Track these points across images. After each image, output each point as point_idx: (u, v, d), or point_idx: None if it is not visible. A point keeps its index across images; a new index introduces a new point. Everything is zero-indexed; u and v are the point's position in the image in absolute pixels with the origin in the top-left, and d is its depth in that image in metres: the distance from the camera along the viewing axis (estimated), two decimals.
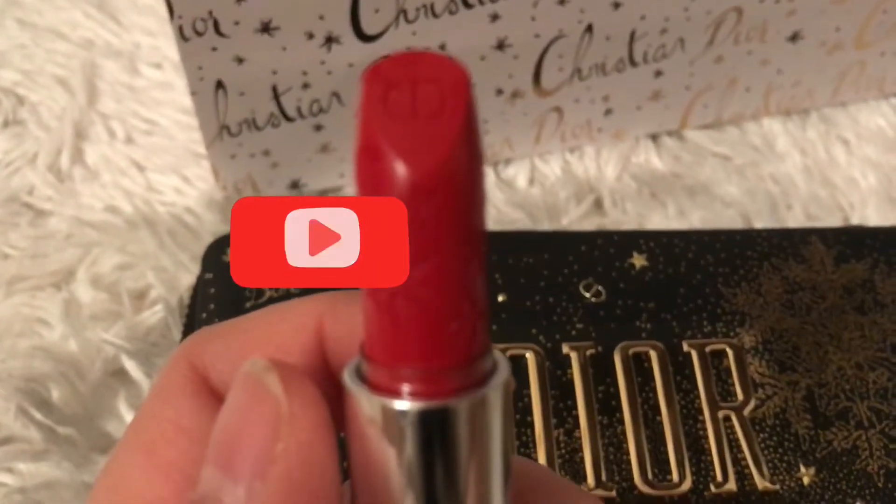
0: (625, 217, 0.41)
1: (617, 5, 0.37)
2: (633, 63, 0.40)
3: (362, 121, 0.14)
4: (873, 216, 0.42)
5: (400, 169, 0.14)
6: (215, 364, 0.19)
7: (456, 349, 0.15)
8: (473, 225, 0.15)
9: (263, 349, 0.18)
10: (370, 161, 0.14)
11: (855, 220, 0.42)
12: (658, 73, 0.41)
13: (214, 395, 0.18)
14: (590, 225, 0.41)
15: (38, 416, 0.33)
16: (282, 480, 0.15)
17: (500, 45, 0.37)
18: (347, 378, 0.16)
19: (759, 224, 0.41)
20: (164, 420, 0.18)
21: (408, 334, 0.15)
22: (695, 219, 0.41)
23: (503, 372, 0.15)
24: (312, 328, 0.19)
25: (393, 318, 0.15)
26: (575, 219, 0.41)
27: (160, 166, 0.42)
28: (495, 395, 0.15)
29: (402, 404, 0.15)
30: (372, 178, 0.14)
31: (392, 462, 0.15)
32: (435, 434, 0.15)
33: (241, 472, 0.15)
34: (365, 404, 0.15)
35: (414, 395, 0.15)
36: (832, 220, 0.42)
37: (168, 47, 0.45)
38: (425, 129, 0.14)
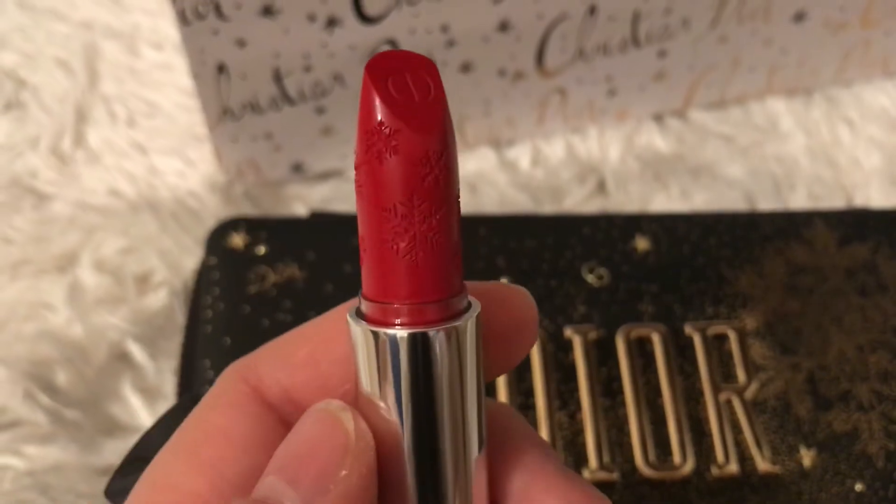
0: (628, 198, 0.41)
1: None
2: (636, 43, 0.40)
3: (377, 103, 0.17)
4: (877, 196, 0.42)
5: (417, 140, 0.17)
6: (268, 368, 0.20)
7: (442, 287, 0.18)
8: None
9: (311, 343, 0.20)
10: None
11: (858, 201, 0.42)
12: (662, 54, 0.40)
13: (266, 405, 0.20)
14: (593, 206, 0.41)
15: (44, 399, 0.34)
16: (339, 500, 0.17)
17: (503, 27, 0.37)
18: (350, 319, 0.18)
19: (762, 205, 0.41)
20: (209, 424, 0.20)
21: (415, 275, 0.18)
22: (698, 200, 0.41)
23: (475, 309, 0.18)
24: None
25: (405, 264, 0.18)
26: (578, 200, 0.41)
27: (162, 149, 0.41)
28: (469, 325, 0.18)
29: (396, 332, 0.18)
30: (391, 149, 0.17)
31: (387, 383, 0.18)
32: (420, 356, 0.18)
33: (305, 485, 0.17)
34: (366, 336, 0.18)
35: (403, 325, 0.18)
36: (835, 201, 0.42)
37: (168, 27, 0.45)
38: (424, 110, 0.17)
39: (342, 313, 0.19)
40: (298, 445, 0.18)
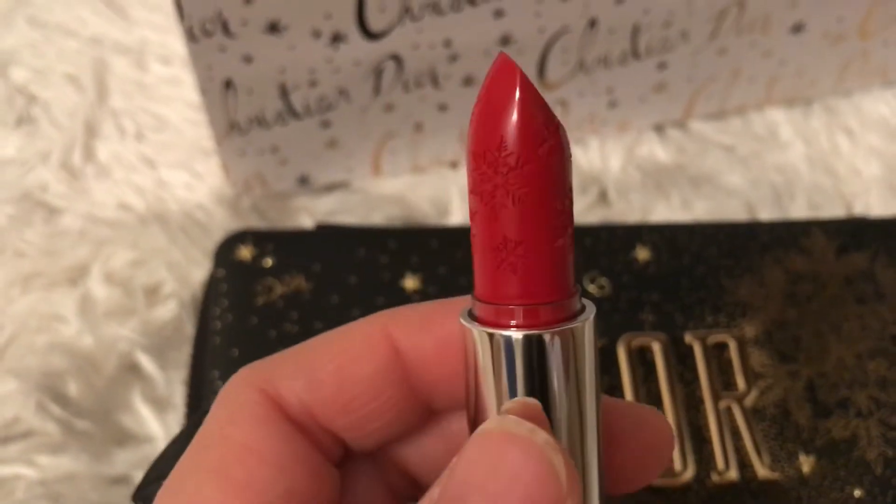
0: (629, 208, 0.42)
1: (620, 0, 0.37)
2: (636, 56, 0.40)
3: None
4: (876, 205, 0.42)
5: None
6: (289, 382, 0.19)
7: (554, 289, 0.18)
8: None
9: (337, 360, 0.19)
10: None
11: (858, 210, 0.43)
12: (662, 66, 0.41)
13: (285, 417, 0.19)
14: (595, 216, 0.42)
15: (56, 410, 0.34)
16: None
17: (505, 41, 0.37)
18: (462, 320, 0.18)
19: (762, 214, 0.42)
20: (235, 442, 0.18)
21: (519, 280, 0.18)
22: (699, 209, 0.42)
23: (590, 311, 0.18)
24: (380, 335, 0.19)
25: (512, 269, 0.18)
26: (580, 210, 0.42)
27: (171, 162, 0.42)
28: (583, 328, 0.18)
29: (510, 334, 0.18)
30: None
31: (501, 385, 0.18)
32: (534, 358, 0.18)
33: None
34: (479, 337, 0.18)
35: (518, 327, 0.18)
36: (835, 210, 0.42)
37: (176, 43, 0.45)
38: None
39: (367, 328, 0.19)
40: (502, 487, 0.16)
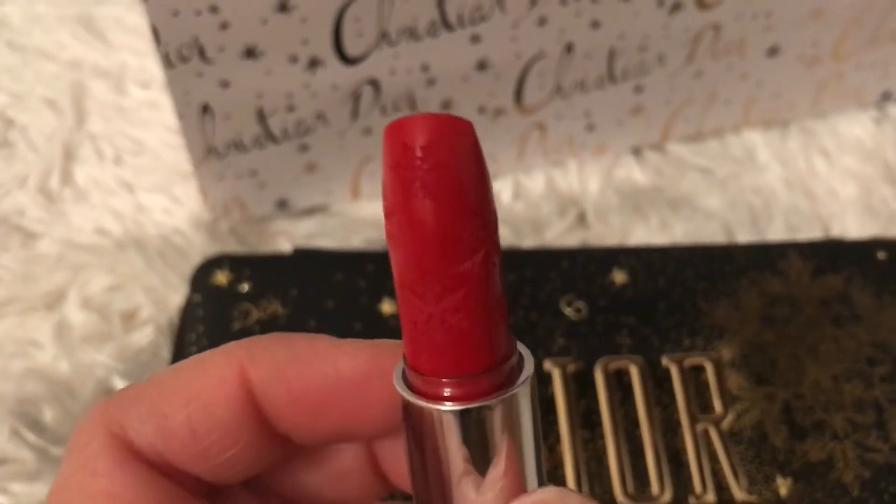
0: (608, 230, 0.42)
1: (596, 24, 0.38)
2: (613, 80, 0.40)
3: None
4: (853, 226, 0.43)
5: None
6: (139, 428, 0.18)
7: (486, 358, 0.17)
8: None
9: (189, 406, 0.18)
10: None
11: (835, 231, 0.43)
12: (638, 89, 0.41)
13: (141, 460, 0.18)
14: (573, 239, 0.42)
15: (31, 437, 0.34)
16: None
17: (482, 65, 0.38)
18: (397, 385, 0.18)
19: (740, 235, 0.42)
20: (96, 492, 0.18)
21: (445, 352, 0.17)
22: (677, 231, 0.42)
23: (528, 368, 0.18)
24: (235, 378, 0.19)
25: (433, 341, 0.17)
26: (559, 233, 0.42)
27: (149, 186, 0.42)
28: (523, 391, 0.18)
29: (446, 407, 0.17)
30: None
31: (442, 453, 0.18)
32: (475, 429, 0.17)
33: None
34: (415, 409, 0.18)
35: (453, 399, 0.17)
36: (813, 231, 0.43)
37: (155, 67, 0.45)
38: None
39: (222, 370, 0.18)
40: None
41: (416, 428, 0.18)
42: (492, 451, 0.18)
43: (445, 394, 0.17)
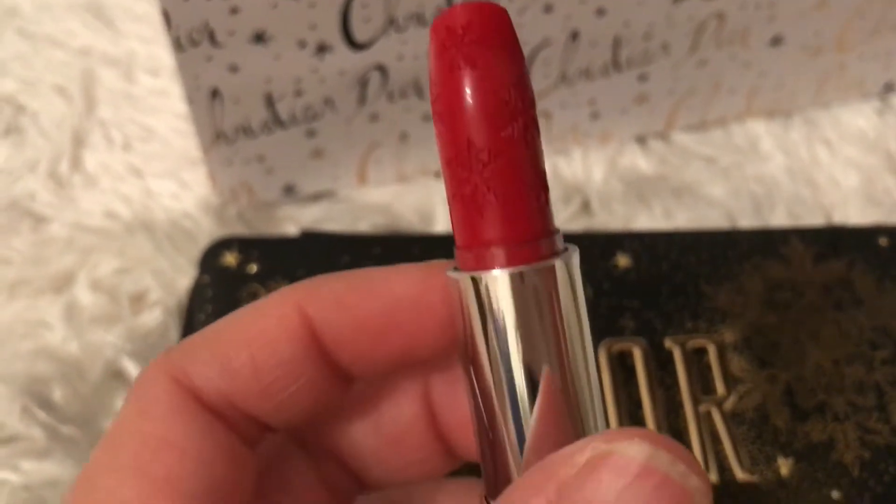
0: (612, 218, 0.42)
1: (601, 12, 0.38)
2: (617, 68, 0.41)
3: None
4: (854, 215, 0.43)
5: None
6: (203, 371, 0.19)
7: (533, 225, 0.18)
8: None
9: (252, 346, 0.19)
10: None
11: (837, 219, 0.43)
12: (643, 78, 0.42)
13: (202, 406, 0.18)
14: (577, 226, 0.42)
15: (41, 415, 0.34)
16: None
17: None
18: (449, 274, 0.19)
19: (743, 223, 0.43)
20: (151, 435, 0.18)
21: (492, 220, 0.18)
22: (680, 219, 0.43)
23: (572, 250, 0.19)
24: (295, 315, 0.19)
25: (480, 210, 0.18)
26: (563, 220, 0.42)
27: (158, 172, 0.43)
28: (564, 264, 0.18)
29: (496, 272, 0.18)
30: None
31: (490, 328, 0.18)
32: (526, 295, 0.18)
33: None
34: (464, 283, 0.18)
35: (503, 264, 0.18)
36: (814, 220, 0.43)
37: (164, 54, 0.46)
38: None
39: (281, 308, 0.19)
40: None
41: (468, 310, 0.18)
42: (544, 327, 0.18)
43: (495, 260, 0.18)
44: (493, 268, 0.18)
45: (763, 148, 0.46)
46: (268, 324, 0.19)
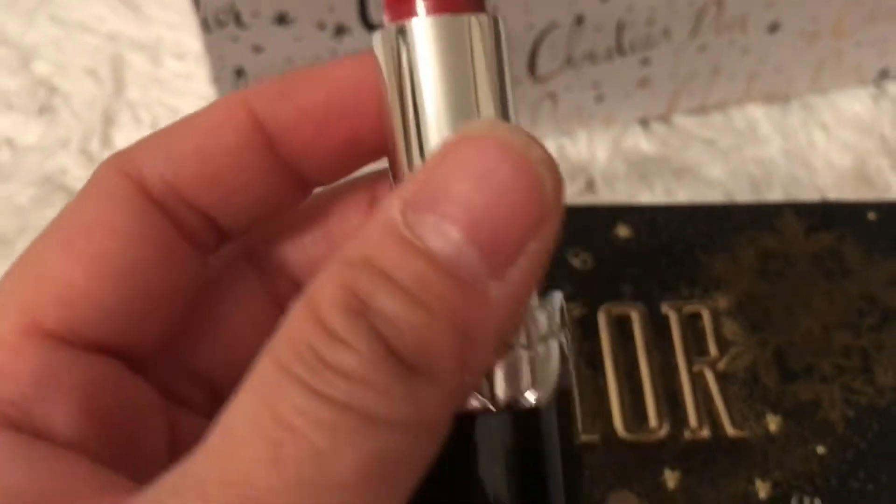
0: (615, 197, 0.44)
1: None
2: (621, 52, 0.43)
3: None
4: (849, 195, 0.45)
5: None
6: (150, 161, 0.19)
7: None
8: None
9: (197, 135, 0.19)
10: None
11: (831, 199, 0.45)
12: (645, 62, 0.44)
13: (147, 195, 0.19)
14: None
15: None
16: (523, 275, 0.15)
17: None
18: (373, 36, 0.18)
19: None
20: (86, 215, 0.18)
21: None
22: (681, 198, 0.44)
23: (501, 18, 0.18)
24: (240, 109, 0.19)
25: None
26: (568, 197, 0.44)
27: None
28: (486, 20, 0.18)
29: (417, 20, 0.18)
30: None
31: (404, 79, 0.18)
32: (439, 46, 0.17)
33: (496, 255, 0.15)
34: (387, 40, 0.18)
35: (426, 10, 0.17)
36: (810, 199, 0.45)
37: (189, 40, 0.48)
38: None
39: (227, 104, 0.19)
40: (488, 200, 0.15)
41: (381, 66, 0.18)
42: (458, 74, 0.17)
43: (413, 9, 0.17)
44: (411, 17, 0.17)
45: (761, 131, 0.47)
46: (212, 115, 0.19)
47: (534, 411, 0.17)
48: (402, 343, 0.14)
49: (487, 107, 0.18)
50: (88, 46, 0.48)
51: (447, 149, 0.16)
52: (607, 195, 0.44)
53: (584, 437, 0.33)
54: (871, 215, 0.39)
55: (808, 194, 0.45)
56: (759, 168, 0.46)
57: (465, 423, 0.17)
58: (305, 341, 0.14)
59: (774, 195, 0.45)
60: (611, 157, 0.46)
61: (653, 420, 0.33)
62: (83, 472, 0.16)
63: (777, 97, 0.48)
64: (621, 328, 0.35)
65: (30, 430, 0.17)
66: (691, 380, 0.34)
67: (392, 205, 0.15)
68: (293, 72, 0.20)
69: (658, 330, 0.35)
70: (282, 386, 0.14)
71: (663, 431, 0.33)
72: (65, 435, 0.17)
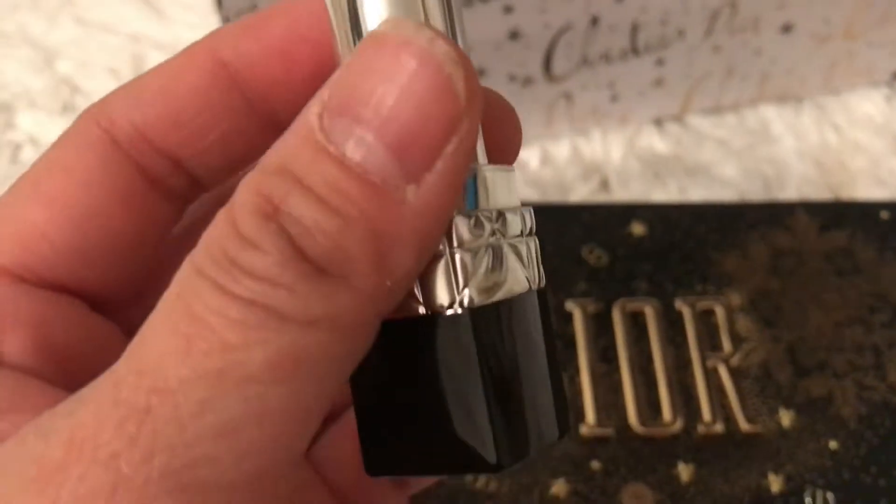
0: (629, 195, 0.45)
1: None
2: (635, 52, 0.43)
3: None
4: (861, 195, 0.45)
5: None
6: (119, 108, 0.19)
7: None
8: None
9: (161, 78, 0.19)
10: None
11: (843, 198, 0.45)
12: (659, 62, 0.44)
13: (115, 145, 0.19)
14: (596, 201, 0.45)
15: None
16: (443, 178, 0.15)
17: (513, 35, 0.41)
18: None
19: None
20: (52, 161, 0.19)
21: None
22: (694, 197, 0.45)
23: None
24: (206, 53, 0.19)
25: None
26: (583, 196, 0.45)
27: None
28: None
29: None
30: None
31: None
32: None
33: (412, 159, 0.15)
34: None
35: None
36: (822, 198, 0.45)
37: None
38: None
39: (191, 48, 0.19)
40: (397, 101, 0.15)
41: None
42: None
43: None
44: None
45: (774, 131, 0.48)
46: (178, 59, 0.19)
47: (484, 311, 0.17)
48: (311, 246, 0.15)
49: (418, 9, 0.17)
50: (110, 46, 0.49)
51: (358, 50, 0.15)
52: (622, 193, 0.45)
53: (599, 431, 0.33)
54: (884, 214, 0.39)
55: (821, 193, 0.45)
56: (771, 167, 0.46)
57: (413, 328, 0.17)
58: (220, 245, 0.15)
59: (787, 194, 0.45)
60: (625, 155, 0.46)
61: (667, 414, 0.34)
62: (32, 391, 0.17)
63: (790, 97, 0.48)
64: (636, 323, 0.36)
65: None
66: (705, 375, 0.35)
67: (311, 109, 0.15)
68: (257, 11, 0.19)
69: (672, 325, 0.36)
70: (196, 286, 0.15)
71: (677, 425, 0.34)
72: (16, 360, 0.18)
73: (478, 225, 0.17)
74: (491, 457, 0.16)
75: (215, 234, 0.15)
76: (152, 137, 0.19)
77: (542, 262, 0.19)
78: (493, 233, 0.17)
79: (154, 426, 0.14)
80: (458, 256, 0.16)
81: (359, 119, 0.15)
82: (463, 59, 0.15)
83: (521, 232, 0.18)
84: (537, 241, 0.19)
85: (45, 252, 0.19)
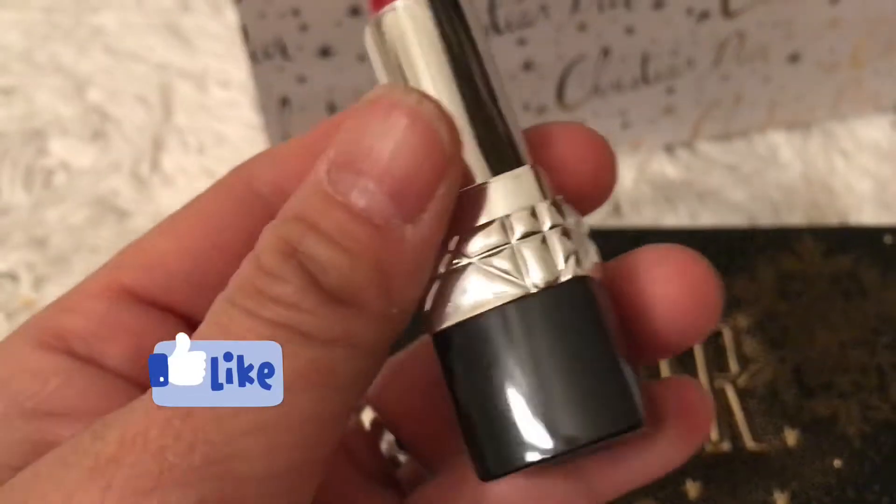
0: (641, 219, 0.46)
1: (630, 30, 0.42)
2: (646, 81, 0.45)
3: None
4: (868, 219, 0.46)
5: None
6: (262, 171, 0.22)
7: None
8: None
9: (313, 149, 0.21)
10: None
11: (850, 222, 0.47)
12: (670, 90, 0.46)
13: (253, 192, 0.22)
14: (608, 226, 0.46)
15: None
16: (435, 220, 0.18)
17: (527, 66, 0.42)
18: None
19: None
20: (196, 203, 0.22)
21: None
22: (704, 221, 0.46)
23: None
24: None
25: None
26: (595, 220, 0.46)
27: None
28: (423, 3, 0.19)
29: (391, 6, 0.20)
30: None
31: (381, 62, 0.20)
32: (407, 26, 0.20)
33: (407, 204, 0.17)
34: (376, 27, 0.20)
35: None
36: (829, 223, 0.46)
37: (234, 69, 0.51)
38: None
39: (329, 121, 0.21)
40: (393, 153, 0.17)
41: (370, 52, 0.20)
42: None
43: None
44: (392, 3, 0.19)
45: (783, 157, 0.49)
46: (323, 131, 0.22)
47: (586, 280, 0.20)
48: (327, 279, 0.17)
49: (429, 80, 0.19)
50: (139, 75, 0.51)
51: (354, 113, 0.18)
52: (633, 219, 0.46)
53: None
54: (888, 239, 0.40)
55: (828, 218, 0.47)
56: (780, 192, 0.48)
57: (516, 312, 0.19)
58: (249, 280, 0.17)
59: (795, 219, 0.46)
60: (636, 181, 0.48)
61: None
62: (123, 395, 0.19)
63: (798, 124, 0.50)
64: None
65: (87, 359, 0.20)
66: (713, 395, 0.36)
67: (320, 167, 0.18)
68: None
69: None
70: (229, 313, 0.17)
71: None
72: (117, 367, 0.20)
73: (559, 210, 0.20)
74: (634, 414, 0.18)
75: (243, 274, 0.18)
76: (288, 188, 0.20)
77: None
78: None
79: (195, 424, 0.16)
80: (555, 236, 0.20)
81: (361, 171, 0.17)
82: (446, 116, 0.18)
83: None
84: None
85: (162, 278, 0.21)
